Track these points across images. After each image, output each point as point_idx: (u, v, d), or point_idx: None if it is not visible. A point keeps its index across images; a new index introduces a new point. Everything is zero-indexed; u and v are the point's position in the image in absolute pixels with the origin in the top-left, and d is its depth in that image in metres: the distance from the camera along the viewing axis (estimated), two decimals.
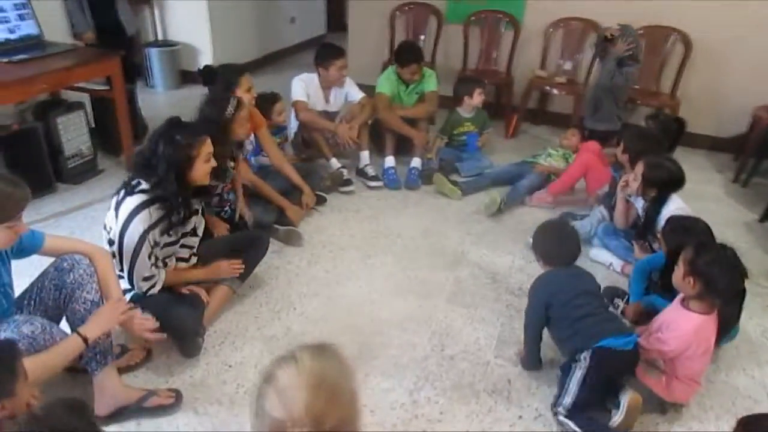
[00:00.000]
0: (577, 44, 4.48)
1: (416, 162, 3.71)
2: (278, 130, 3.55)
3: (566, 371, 1.97)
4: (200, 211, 2.36)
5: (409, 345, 2.31)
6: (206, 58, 5.39)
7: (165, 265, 2.27)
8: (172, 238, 2.22)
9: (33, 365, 1.63)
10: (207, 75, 3.00)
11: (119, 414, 1.90)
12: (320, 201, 3.36)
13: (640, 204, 2.77)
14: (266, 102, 3.41)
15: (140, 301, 2.17)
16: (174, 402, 1.97)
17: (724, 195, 3.85)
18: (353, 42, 5.21)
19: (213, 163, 2.19)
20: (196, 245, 2.41)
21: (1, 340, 1.51)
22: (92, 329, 1.79)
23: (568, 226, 2.28)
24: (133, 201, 2.04)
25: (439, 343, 2.33)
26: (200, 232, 2.42)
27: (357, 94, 3.70)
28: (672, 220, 2.41)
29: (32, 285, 1.94)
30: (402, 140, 3.76)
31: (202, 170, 2.15)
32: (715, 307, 1.93)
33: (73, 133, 3.44)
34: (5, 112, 3.26)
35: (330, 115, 3.75)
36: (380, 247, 2.98)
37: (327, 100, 3.71)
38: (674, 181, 2.58)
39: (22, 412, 1.41)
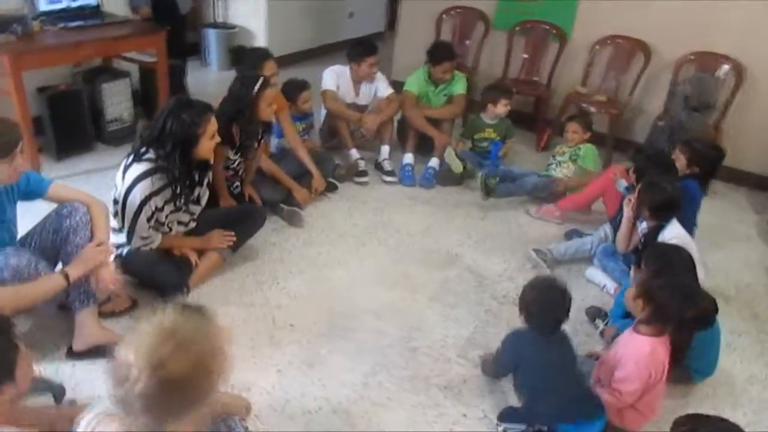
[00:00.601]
0: (623, 64, 4.36)
1: (434, 162, 3.74)
2: (303, 116, 3.68)
3: (513, 418, 1.95)
4: (205, 182, 2.51)
5: (377, 332, 2.37)
6: (260, 42, 5.62)
7: (170, 230, 2.43)
8: (177, 207, 2.38)
9: (15, 293, 1.82)
10: (235, 55, 3.15)
11: (93, 352, 2.07)
12: (331, 188, 3.46)
13: (642, 227, 2.70)
14: (294, 88, 3.55)
15: (133, 254, 2.35)
16: None
17: (755, 235, 3.65)
18: (400, 41, 5.29)
19: (217, 139, 2.33)
20: (197, 212, 2.57)
21: None
22: (74, 269, 1.97)
23: (560, 290, 1.95)
24: (138, 168, 2.21)
25: (408, 335, 2.37)
26: (203, 201, 2.58)
27: (386, 90, 3.78)
28: (654, 246, 2.36)
29: (35, 226, 2.14)
30: (424, 139, 3.81)
31: (206, 147, 2.29)
32: (664, 332, 1.89)
33: (117, 99, 3.70)
34: (61, 73, 3.56)
35: (359, 108, 3.84)
36: (377, 238, 3.05)
37: (357, 93, 3.80)
38: (668, 204, 2.50)
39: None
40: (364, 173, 3.64)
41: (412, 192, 3.61)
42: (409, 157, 3.75)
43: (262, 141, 3.00)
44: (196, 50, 5.71)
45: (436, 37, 4.87)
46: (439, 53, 3.74)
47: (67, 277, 1.93)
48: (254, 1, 5.47)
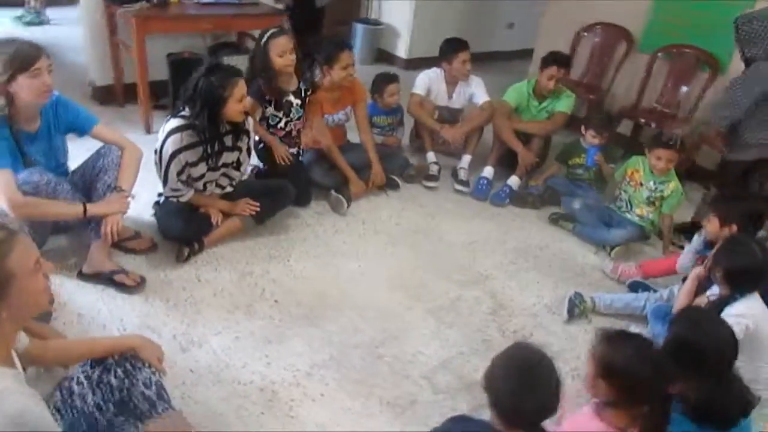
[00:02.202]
0: None
1: (513, 181, 3.48)
2: (391, 111, 3.67)
3: None
4: (244, 148, 2.65)
5: (352, 329, 2.29)
6: (404, 41, 5.75)
7: (204, 188, 2.62)
8: (211, 166, 2.55)
9: (34, 203, 2.12)
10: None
11: (95, 276, 2.32)
12: (393, 185, 3.41)
13: (713, 293, 2.21)
14: (381, 80, 3.57)
15: (163, 202, 2.58)
16: (135, 286, 2.32)
17: None
18: (537, 58, 4.98)
19: (246, 103, 2.45)
20: (237, 179, 2.73)
21: None
22: (95, 207, 2.24)
23: (542, 364, 1.37)
24: (172, 123, 2.42)
25: (380, 341, 2.26)
26: (244, 168, 2.74)
27: (481, 97, 3.60)
28: (692, 311, 1.91)
29: (83, 162, 2.47)
30: (510, 154, 3.55)
31: (234, 109, 2.42)
32: (636, 421, 1.51)
33: None
34: (194, 44, 4.02)
35: (452, 112, 3.73)
36: (412, 242, 2.93)
37: (450, 96, 3.69)
38: (748, 274, 1.99)
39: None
40: (434, 178, 3.52)
41: (479, 206, 3.40)
42: (488, 171, 3.54)
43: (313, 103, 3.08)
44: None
45: (571, 53, 4.50)
46: (551, 56, 3.45)
47: (84, 211, 2.20)
48: (405, 1, 5.60)
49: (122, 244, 2.54)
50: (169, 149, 2.39)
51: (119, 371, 1.67)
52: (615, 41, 4.35)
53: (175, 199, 2.55)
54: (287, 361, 2.10)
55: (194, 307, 2.29)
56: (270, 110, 2.96)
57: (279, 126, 3.03)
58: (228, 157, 2.61)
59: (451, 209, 3.31)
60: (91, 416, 1.61)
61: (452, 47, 3.51)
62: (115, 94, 3.97)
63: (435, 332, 2.34)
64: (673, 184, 2.94)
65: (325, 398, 1.97)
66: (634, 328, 2.44)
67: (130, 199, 2.34)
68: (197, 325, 2.21)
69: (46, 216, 2.20)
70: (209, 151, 2.47)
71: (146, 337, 1.77)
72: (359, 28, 5.74)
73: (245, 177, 2.86)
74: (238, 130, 2.57)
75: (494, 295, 2.62)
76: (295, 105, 3.01)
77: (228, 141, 2.55)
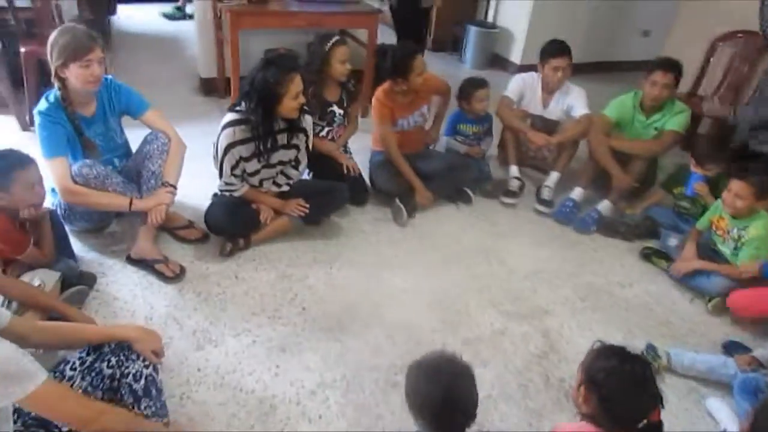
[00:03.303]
0: None
1: (604, 206, 3.07)
2: (478, 119, 3.42)
3: None
4: (302, 146, 2.60)
5: (374, 349, 2.13)
6: (519, 46, 5.41)
7: (260, 184, 2.62)
8: (264, 163, 2.53)
9: (84, 193, 2.23)
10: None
11: (139, 262, 2.40)
12: (465, 198, 3.17)
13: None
14: (470, 85, 3.34)
15: (216, 195, 2.61)
16: (173, 276, 2.36)
17: None
18: None
19: (301, 99, 2.39)
20: (295, 178, 2.69)
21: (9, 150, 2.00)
22: (142, 202, 2.33)
23: (458, 373, 1.36)
24: (228, 117, 2.43)
25: (401, 368, 2.05)
26: (302, 168, 2.69)
27: (580, 109, 3.23)
28: None
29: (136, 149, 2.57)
30: (606, 175, 3.14)
31: (288, 106, 2.37)
32: None
33: None
34: (297, 40, 4.08)
35: (546, 123, 3.39)
36: (469, 263, 2.68)
37: (545, 105, 3.35)
38: None
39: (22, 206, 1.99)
40: (513, 194, 3.22)
41: (560, 231, 3.04)
42: (577, 192, 3.16)
43: (352, 113, 2.99)
44: (456, 45, 5.84)
45: (704, 64, 3.91)
46: (657, 61, 3.00)
47: (130, 204, 2.29)
48: (520, 3, 5.26)
49: (175, 231, 2.60)
50: (223, 143, 2.40)
51: (113, 360, 1.67)
52: (758, 52, 3.68)
53: (228, 193, 2.56)
54: (296, 374, 1.99)
55: (223, 304, 2.27)
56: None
57: (321, 134, 2.96)
58: (284, 155, 2.58)
59: (525, 231, 2.99)
60: None
61: (547, 50, 3.18)
62: (217, 87, 4.15)
63: None
64: (757, 229, 2.39)
65: (321, 421, 1.84)
66: (714, 402, 2.01)
67: (174, 193, 2.39)
68: (220, 323, 2.18)
69: (94, 206, 2.31)
70: (262, 147, 2.44)
71: (145, 328, 1.75)
72: (472, 31, 5.51)
73: (303, 176, 2.81)
74: (294, 127, 2.52)
75: (547, 334, 2.30)
76: (338, 114, 2.93)
77: (282, 139, 2.51)
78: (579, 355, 2.14)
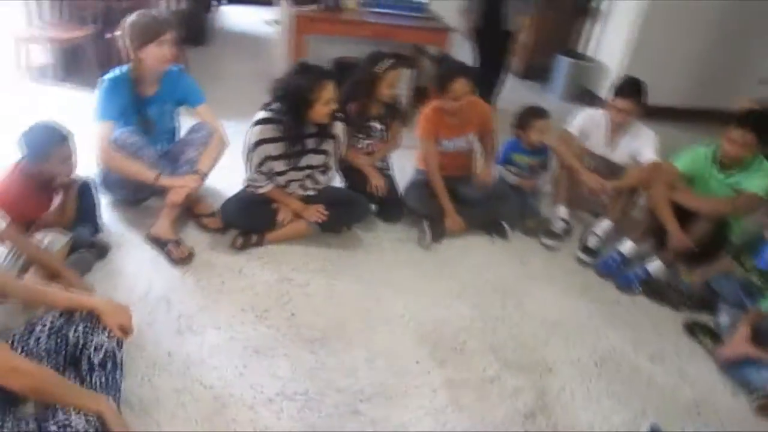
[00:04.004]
0: None
1: (655, 266, 2.75)
2: (534, 151, 3.22)
3: None
4: (331, 152, 2.57)
5: (347, 371, 2.03)
6: (612, 83, 5.06)
7: (285, 185, 2.63)
8: (292, 165, 2.55)
9: (113, 157, 2.36)
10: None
11: (155, 240, 2.48)
12: (500, 232, 2.98)
13: None
14: (528, 115, 3.16)
15: (240, 191, 2.65)
16: (181, 259, 2.41)
17: None
18: None
19: (333, 106, 2.38)
20: (323, 184, 2.67)
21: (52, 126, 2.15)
22: (167, 179, 2.42)
23: None
24: (260, 114, 2.47)
25: (369, 396, 1.95)
26: (330, 174, 2.67)
27: (647, 155, 2.93)
28: None
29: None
30: (663, 231, 2.82)
31: (319, 112, 2.38)
32: None
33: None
34: (360, 53, 4.09)
35: (609, 166, 3.11)
36: (484, 300, 2.51)
37: (611, 146, 3.08)
38: None
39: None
40: (555, 236, 2.98)
41: (599, 285, 2.76)
42: (627, 246, 2.85)
43: (391, 128, 2.91)
44: (546, 75, 5.59)
45: None
46: (738, 115, 2.65)
47: (156, 178, 2.38)
48: (623, 38, 4.93)
49: (199, 218, 2.67)
50: (252, 138, 2.43)
51: (80, 327, 1.72)
52: None
53: (252, 189, 2.58)
54: (259, 379, 1.94)
55: (217, 295, 2.29)
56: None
57: (358, 146, 2.90)
58: (313, 159, 2.57)
59: (557, 277, 2.75)
60: (36, 358, 1.67)
61: (617, 88, 2.94)
62: None
63: (438, 410, 1.94)
64: None
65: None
66: None
67: (200, 181, 2.48)
68: (206, 313, 2.19)
69: (124, 172, 2.44)
70: (290, 149, 2.46)
71: (114, 302, 1.79)
72: (564, 62, 5.25)
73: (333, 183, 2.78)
74: (324, 133, 2.50)
75: (543, 393, 2.08)
76: (377, 129, 2.87)
77: (312, 143, 2.51)
78: (573, 425, 1.94)
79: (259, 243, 2.59)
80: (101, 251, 2.37)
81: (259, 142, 2.44)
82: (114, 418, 1.55)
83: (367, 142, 2.89)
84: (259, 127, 2.43)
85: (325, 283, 2.45)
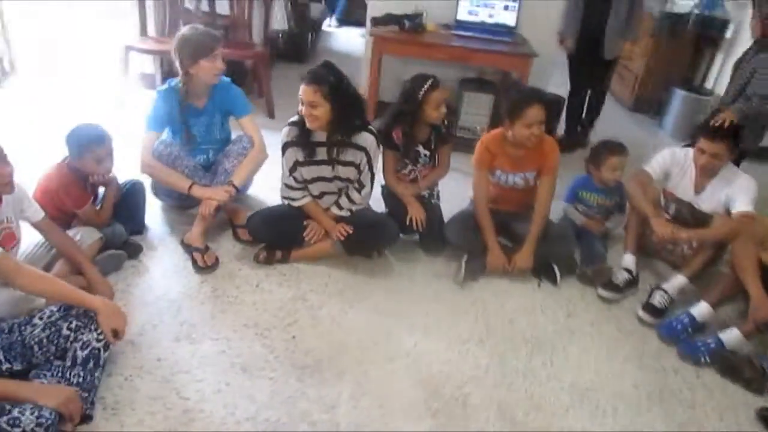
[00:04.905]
0: None
1: (731, 336, 2.29)
2: (607, 190, 2.88)
3: None
4: (367, 169, 2.50)
5: (326, 404, 1.90)
6: None
7: (318, 197, 2.59)
8: (321, 175, 2.51)
9: (154, 166, 2.48)
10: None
11: (186, 247, 2.55)
12: (549, 276, 2.67)
13: None
14: (603, 150, 2.85)
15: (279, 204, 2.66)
16: (204, 267, 2.46)
17: None
18: None
19: (317, 112, 2.28)
20: (358, 202, 2.58)
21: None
22: (200, 189, 2.50)
23: None
24: (292, 118, 2.47)
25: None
26: (365, 193, 2.57)
27: (740, 205, 2.49)
28: None
29: None
30: (746, 296, 2.35)
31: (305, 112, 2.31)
32: None
33: (474, 110, 3.87)
34: (457, 75, 3.98)
35: (694, 214, 2.69)
36: (508, 352, 2.24)
37: (698, 191, 2.66)
38: None
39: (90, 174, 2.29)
40: (615, 288, 2.60)
41: (658, 350, 2.36)
42: (701, 309, 2.41)
43: (440, 153, 2.76)
44: (656, 108, 5.04)
45: None
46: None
47: (189, 188, 2.47)
48: None
49: (235, 228, 2.71)
50: (282, 140, 2.45)
51: (74, 323, 1.80)
52: None
53: (288, 202, 2.57)
54: (236, 399, 1.88)
55: (226, 306, 2.29)
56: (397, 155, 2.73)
57: (403, 172, 2.76)
58: (343, 171, 2.51)
59: (606, 335, 2.40)
60: (27, 346, 1.77)
61: (702, 126, 2.55)
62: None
63: None
64: None
65: None
66: None
67: (232, 193, 2.52)
68: (208, 323, 2.19)
69: (161, 181, 2.57)
70: (303, 152, 2.44)
71: (115, 306, 1.85)
72: (679, 95, 4.70)
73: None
74: (346, 142, 2.42)
75: None
76: (423, 155, 2.70)
77: (334, 153, 2.44)
78: None
79: (285, 259, 2.56)
80: (133, 251, 2.48)
81: (286, 145, 2.45)
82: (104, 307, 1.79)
83: (412, 168, 2.76)
84: (286, 128, 2.44)
85: (338, 308, 2.35)
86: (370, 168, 2.51)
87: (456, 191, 3.02)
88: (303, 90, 2.27)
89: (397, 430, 1.84)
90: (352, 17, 7.03)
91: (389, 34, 3.51)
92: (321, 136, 2.42)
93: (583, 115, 4.20)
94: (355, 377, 2.02)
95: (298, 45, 5.20)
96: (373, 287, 2.51)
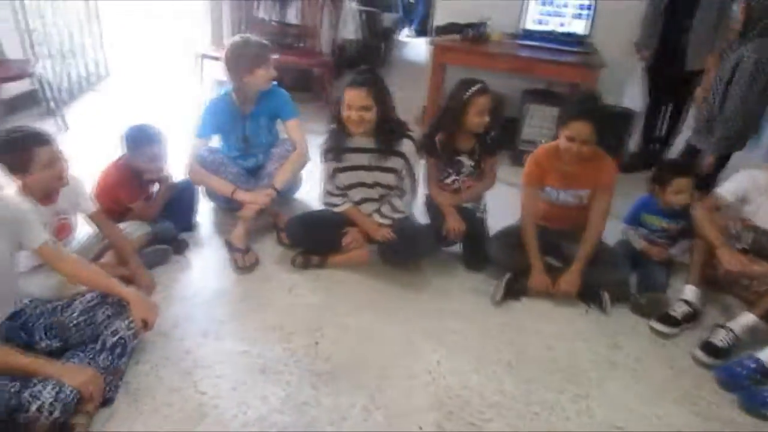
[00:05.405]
0: None
1: None
2: (672, 213, 2.65)
3: None
4: (409, 176, 2.48)
5: (339, 416, 1.87)
6: None
7: (361, 202, 2.59)
8: (359, 181, 2.52)
9: (199, 172, 2.59)
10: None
11: (228, 246, 2.63)
12: (597, 302, 2.49)
13: None
14: (669, 170, 2.64)
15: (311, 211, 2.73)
16: (243, 268, 2.52)
17: None
18: None
19: (367, 116, 2.31)
20: (399, 209, 2.55)
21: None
22: (242, 193, 2.59)
23: None
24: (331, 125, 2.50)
25: None
26: (406, 200, 2.55)
27: None
28: None
29: None
30: None
31: (348, 117, 2.33)
32: None
33: (537, 122, 3.71)
34: (516, 86, 3.86)
35: None
36: (536, 378, 2.10)
37: None
38: None
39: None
40: (672, 322, 2.37)
41: (713, 396, 2.12)
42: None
43: (485, 164, 2.67)
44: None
45: None
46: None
47: (232, 193, 2.57)
48: None
49: (279, 230, 2.77)
50: (321, 146, 2.49)
51: (108, 311, 1.92)
52: None
53: (330, 207, 2.59)
54: (249, 399, 1.90)
55: (258, 308, 2.33)
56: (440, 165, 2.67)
57: (446, 181, 2.67)
58: (383, 177, 2.50)
59: (653, 373, 2.19)
60: (66, 327, 1.90)
61: None
62: (425, 117, 4.22)
63: None
64: None
65: None
66: None
67: (272, 196, 2.57)
68: (237, 323, 2.24)
69: (206, 185, 2.69)
70: (333, 155, 2.46)
71: (147, 298, 1.96)
72: None
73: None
74: (386, 149, 2.40)
75: None
76: (466, 165, 2.61)
77: (373, 159, 2.44)
78: None
79: (321, 264, 2.57)
80: (180, 247, 2.60)
81: (325, 151, 2.49)
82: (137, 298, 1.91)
83: (455, 177, 2.68)
84: (326, 136, 2.46)
85: (366, 319, 2.32)
86: (411, 175, 2.47)
87: (507, 206, 2.89)
88: (353, 94, 2.28)
89: None
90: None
91: (450, 42, 3.46)
92: (360, 143, 2.42)
93: (661, 131, 3.91)
94: (370, 391, 1.98)
95: (369, 54, 5.26)
96: (405, 300, 2.46)
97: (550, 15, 3.69)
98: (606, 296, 2.47)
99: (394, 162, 2.43)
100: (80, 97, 4.31)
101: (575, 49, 3.53)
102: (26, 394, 1.62)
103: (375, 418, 1.88)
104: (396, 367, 2.10)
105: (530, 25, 3.72)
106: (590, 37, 3.67)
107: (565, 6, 3.66)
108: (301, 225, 2.58)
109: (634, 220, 2.77)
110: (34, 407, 1.60)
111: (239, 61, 2.53)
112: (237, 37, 2.62)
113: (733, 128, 3.10)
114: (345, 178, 2.50)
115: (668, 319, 2.39)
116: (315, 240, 2.57)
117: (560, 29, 3.70)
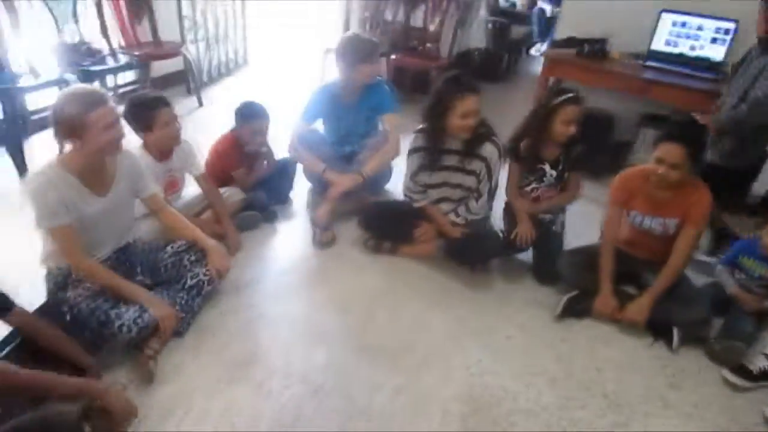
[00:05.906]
0: None
1: None
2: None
3: None
4: (486, 179, 2.52)
5: (368, 390, 1.99)
6: None
7: (440, 201, 2.69)
8: (436, 182, 2.61)
9: (300, 150, 2.86)
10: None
11: (312, 222, 2.84)
12: (665, 334, 2.35)
13: None
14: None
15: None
16: (321, 243, 2.74)
17: None
18: None
19: (470, 121, 2.36)
20: (474, 211, 2.61)
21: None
22: (330, 174, 2.80)
23: None
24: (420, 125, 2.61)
25: (368, 420, 1.89)
26: (482, 202, 2.60)
27: None
28: None
29: None
30: None
31: (455, 124, 2.39)
32: None
33: (650, 148, 3.50)
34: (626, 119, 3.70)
35: None
36: (570, 394, 2.05)
37: None
38: None
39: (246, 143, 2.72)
40: (747, 375, 2.16)
41: None
42: None
43: (570, 177, 2.61)
44: None
45: None
46: None
47: (323, 171, 2.81)
48: None
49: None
50: (410, 145, 2.60)
51: (193, 257, 2.24)
52: None
53: (409, 199, 2.71)
54: (295, 358, 2.09)
55: (325, 280, 2.53)
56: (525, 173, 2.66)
57: (526, 188, 2.65)
58: (462, 178, 2.57)
59: (708, 422, 2.02)
60: (158, 267, 2.23)
61: None
62: None
63: None
64: None
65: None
66: None
67: (359, 181, 2.76)
68: (304, 291, 2.46)
69: (301, 161, 2.95)
70: (427, 158, 2.53)
71: (223, 249, 2.23)
72: None
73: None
74: (470, 152, 2.47)
75: None
76: (548, 174, 2.57)
77: (454, 160, 2.51)
78: None
79: (392, 252, 2.71)
80: (270, 216, 2.88)
81: (410, 151, 2.58)
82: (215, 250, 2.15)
83: (535, 186, 2.67)
84: (413, 136, 2.57)
85: (421, 307, 2.42)
86: (489, 178, 2.51)
87: (594, 226, 2.79)
88: (470, 100, 2.35)
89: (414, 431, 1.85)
90: None
91: (562, 56, 3.41)
92: (450, 144, 2.50)
93: None
94: (407, 374, 2.07)
95: (493, 64, 5.28)
96: (464, 298, 2.51)
97: (680, 37, 3.49)
98: (677, 333, 2.33)
99: (476, 165, 2.49)
100: (219, 81, 4.86)
101: (706, 75, 3.31)
102: (113, 313, 1.93)
103: (401, 400, 1.97)
104: (437, 357, 2.17)
105: (659, 45, 3.54)
106: (726, 65, 3.41)
107: (700, 29, 3.44)
108: (378, 212, 2.74)
109: (731, 261, 2.56)
110: (116, 324, 1.90)
111: (346, 55, 2.73)
112: (349, 33, 2.83)
113: None
114: (432, 177, 2.59)
115: (743, 371, 2.19)
116: (387, 228, 2.71)
117: (691, 53, 3.48)
